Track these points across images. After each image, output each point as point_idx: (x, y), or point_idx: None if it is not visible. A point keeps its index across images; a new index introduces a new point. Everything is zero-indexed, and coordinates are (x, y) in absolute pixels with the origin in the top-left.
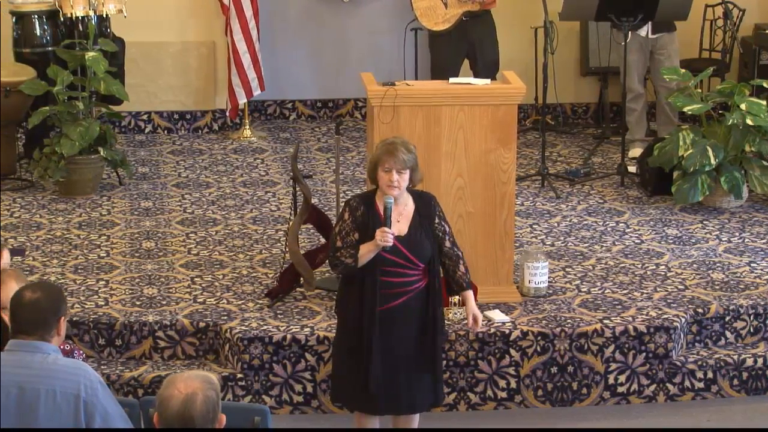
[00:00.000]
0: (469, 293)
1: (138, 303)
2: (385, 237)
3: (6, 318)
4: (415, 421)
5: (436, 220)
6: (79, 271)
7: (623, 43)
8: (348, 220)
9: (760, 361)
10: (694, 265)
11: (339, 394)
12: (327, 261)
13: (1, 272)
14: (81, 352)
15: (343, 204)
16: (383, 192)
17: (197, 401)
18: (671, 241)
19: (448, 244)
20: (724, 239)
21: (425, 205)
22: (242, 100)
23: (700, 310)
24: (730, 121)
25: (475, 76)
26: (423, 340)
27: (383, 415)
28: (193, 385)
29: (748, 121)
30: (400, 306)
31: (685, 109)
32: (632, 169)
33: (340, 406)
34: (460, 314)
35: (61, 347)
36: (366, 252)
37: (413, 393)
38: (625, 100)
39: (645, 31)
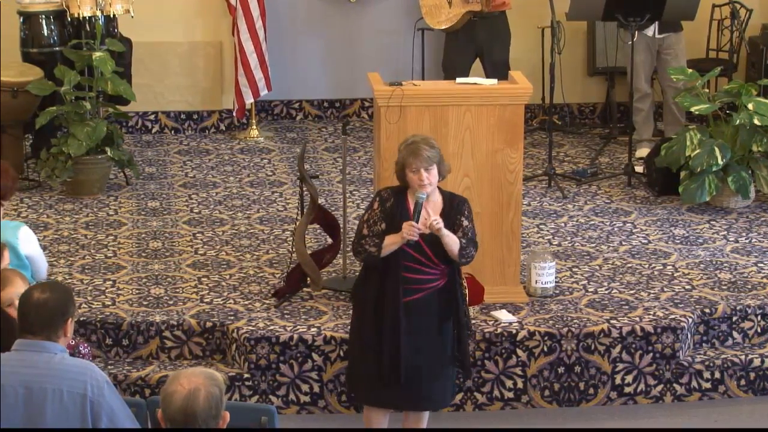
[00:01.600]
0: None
1: (145, 303)
2: (412, 231)
3: (13, 314)
4: (424, 420)
5: (460, 217)
6: (86, 271)
7: (630, 43)
8: (377, 209)
9: (767, 361)
10: (702, 266)
11: (355, 385)
12: (352, 251)
13: (4, 271)
14: (86, 345)
15: (373, 194)
16: (416, 190)
17: (200, 397)
18: (678, 241)
19: (461, 235)
20: (731, 239)
21: (454, 206)
22: (249, 100)
23: (707, 311)
24: (738, 121)
25: (485, 76)
26: (441, 339)
27: (396, 410)
28: (196, 381)
29: (756, 121)
30: (418, 301)
31: (692, 109)
32: (639, 169)
33: (348, 406)
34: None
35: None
36: (390, 243)
37: (427, 388)
38: (632, 100)
39: (652, 31)
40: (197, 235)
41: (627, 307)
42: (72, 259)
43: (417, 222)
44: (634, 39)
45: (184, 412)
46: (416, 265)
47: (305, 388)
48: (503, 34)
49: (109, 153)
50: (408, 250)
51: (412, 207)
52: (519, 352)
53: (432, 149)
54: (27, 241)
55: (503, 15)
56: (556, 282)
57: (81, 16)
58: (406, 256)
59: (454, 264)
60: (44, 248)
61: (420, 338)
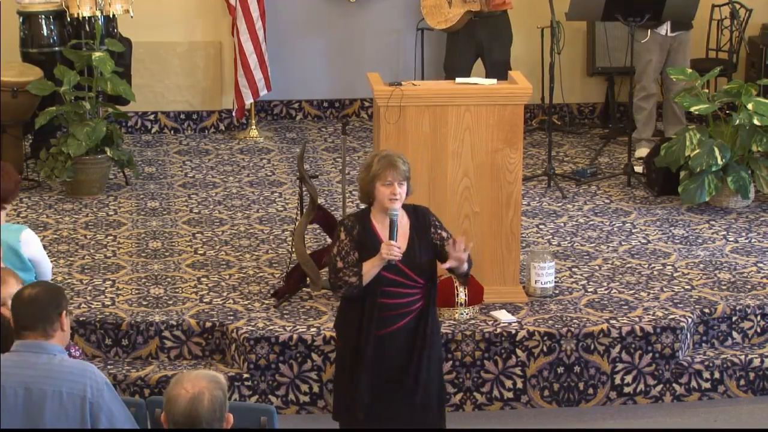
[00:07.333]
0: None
1: (144, 303)
2: (392, 250)
3: (6, 313)
4: None
5: (432, 230)
6: (86, 271)
7: (643, 42)
8: (345, 239)
9: (767, 361)
10: (701, 266)
11: (340, 414)
12: (330, 287)
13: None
14: (78, 348)
15: (337, 223)
16: (385, 206)
17: (204, 401)
18: (678, 241)
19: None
20: (731, 239)
21: (420, 217)
22: (249, 100)
23: (706, 311)
24: (737, 121)
25: (486, 76)
26: (410, 364)
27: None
28: (200, 384)
29: (755, 121)
30: (400, 330)
31: (692, 109)
32: (639, 169)
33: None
34: (467, 314)
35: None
36: (370, 268)
37: (425, 403)
38: (635, 98)
39: (665, 29)
40: (197, 235)
41: (626, 307)
42: (72, 259)
43: (395, 240)
44: (646, 38)
45: (188, 416)
46: (396, 288)
47: (305, 388)
48: (504, 33)
49: (108, 153)
50: (386, 274)
51: (378, 229)
52: (518, 352)
53: (405, 164)
54: (29, 244)
55: (504, 15)
56: (555, 282)
57: (81, 16)
58: (384, 281)
59: (434, 279)
60: (44, 248)
61: (392, 367)
